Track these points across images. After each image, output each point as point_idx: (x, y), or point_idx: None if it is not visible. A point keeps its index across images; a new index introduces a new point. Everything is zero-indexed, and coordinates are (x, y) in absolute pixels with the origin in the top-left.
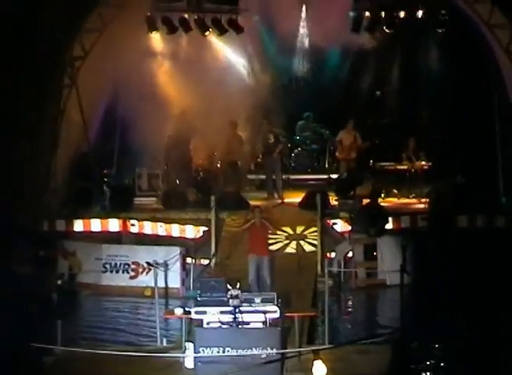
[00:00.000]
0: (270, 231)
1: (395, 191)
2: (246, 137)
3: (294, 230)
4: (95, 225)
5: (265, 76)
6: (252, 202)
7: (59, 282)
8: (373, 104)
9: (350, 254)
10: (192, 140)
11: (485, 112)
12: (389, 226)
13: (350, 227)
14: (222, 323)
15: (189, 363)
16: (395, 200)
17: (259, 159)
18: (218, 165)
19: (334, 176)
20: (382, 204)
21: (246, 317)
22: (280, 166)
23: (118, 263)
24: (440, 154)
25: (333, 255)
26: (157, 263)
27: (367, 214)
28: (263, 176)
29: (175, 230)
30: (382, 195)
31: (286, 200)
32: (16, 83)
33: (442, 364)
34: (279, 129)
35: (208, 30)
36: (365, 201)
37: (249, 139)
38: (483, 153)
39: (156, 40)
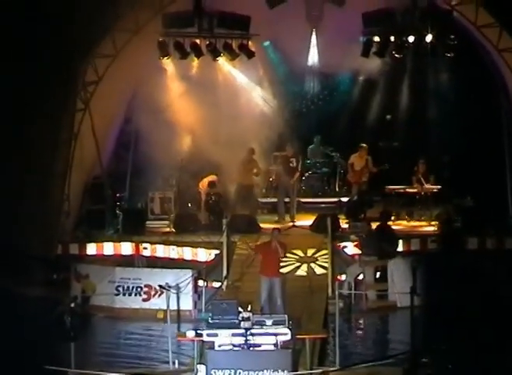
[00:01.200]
0: (282, 254)
1: (405, 215)
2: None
3: (305, 253)
4: (108, 248)
5: (276, 100)
6: (263, 225)
7: (72, 305)
8: (383, 128)
9: (361, 276)
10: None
11: (494, 134)
12: (399, 248)
13: (360, 250)
14: (234, 346)
15: None
16: (405, 223)
17: (271, 179)
18: (232, 188)
19: (344, 199)
20: (392, 226)
21: (257, 339)
22: (296, 189)
23: (131, 286)
24: (449, 177)
25: (344, 277)
26: (169, 286)
27: (377, 237)
28: (274, 200)
29: (187, 253)
30: (393, 218)
31: (297, 223)
32: (29, 107)
33: None
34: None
35: (220, 54)
36: (375, 224)
37: (260, 163)
38: (492, 175)
39: (168, 64)
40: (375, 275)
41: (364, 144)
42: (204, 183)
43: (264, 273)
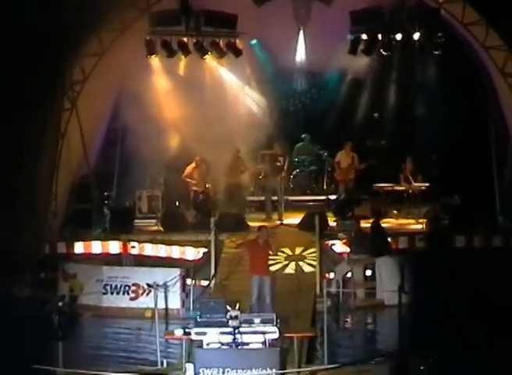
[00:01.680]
0: (271, 252)
1: (394, 211)
2: (245, 160)
3: (293, 251)
4: (96, 247)
5: (264, 98)
6: (251, 224)
7: (60, 304)
8: (371, 126)
9: (349, 274)
10: (192, 169)
11: (481, 132)
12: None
13: (348, 248)
14: (222, 344)
15: None
16: (393, 220)
17: (260, 177)
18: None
19: (332, 197)
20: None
21: (245, 338)
22: (283, 187)
23: (118, 285)
24: (437, 175)
25: (332, 275)
26: (157, 285)
27: (370, 235)
28: (262, 198)
29: (175, 251)
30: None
31: (284, 221)
32: (16, 106)
33: None
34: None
35: (207, 53)
36: (364, 221)
37: (248, 162)
38: (479, 173)
39: (155, 63)
40: (364, 273)
41: (350, 142)
42: (189, 171)
43: (254, 272)
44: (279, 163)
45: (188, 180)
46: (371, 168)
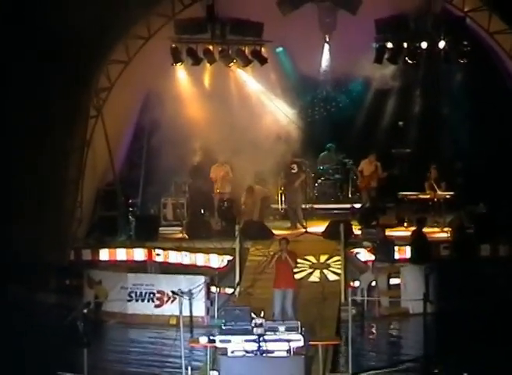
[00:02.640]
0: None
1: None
2: (270, 168)
3: (318, 259)
4: (121, 254)
5: (288, 106)
6: (276, 232)
7: (85, 311)
8: (396, 134)
9: (374, 283)
10: (217, 169)
11: (506, 140)
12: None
13: (373, 256)
14: (247, 352)
15: None
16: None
17: (281, 190)
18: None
19: (357, 205)
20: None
21: (270, 346)
22: (301, 196)
23: (143, 292)
24: (462, 183)
25: (356, 283)
26: (182, 292)
27: (391, 243)
28: (285, 206)
29: (199, 259)
30: (405, 224)
31: (309, 229)
32: (42, 114)
33: None
34: (301, 159)
35: (232, 61)
36: (388, 230)
37: (272, 170)
38: (504, 182)
39: (181, 71)
40: (389, 282)
41: (374, 152)
42: (215, 172)
43: (276, 286)
44: (293, 171)
45: (212, 179)
46: (392, 177)
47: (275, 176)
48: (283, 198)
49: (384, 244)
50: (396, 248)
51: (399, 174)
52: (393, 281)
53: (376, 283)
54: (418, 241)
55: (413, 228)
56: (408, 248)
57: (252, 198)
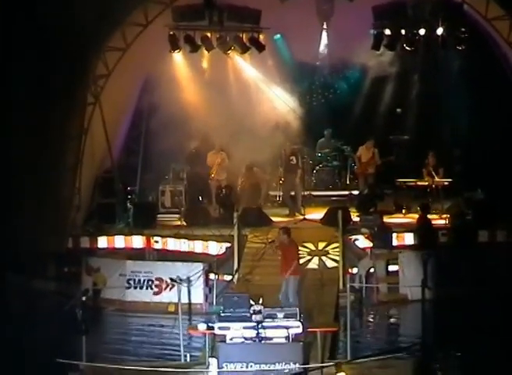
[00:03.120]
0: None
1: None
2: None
3: (316, 246)
4: (119, 242)
5: (286, 93)
6: (274, 219)
7: (84, 298)
8: (394, 121)
9: (372, 269)
10: (213, 156)
11: (504, 127)
12: (410, 241)
13: (371, 243)
14: (245, 339)
15: None
16: (416, 216)
17: (281, 181)
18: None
19: (355, 192)
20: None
21: (269, 332)
22: (301, 184)
23: (142, 279)
24: (460, 170)
25: (355, 270)
26: (180, 279)
27: (389, 229)
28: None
29: (198, 246)
30: (404, 211)
31: (307, 216)
32: (40, 102)
33: None
34: (299, 146)
35: (230, 48)
36: (386, 216)
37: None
38: (502, 168)
39: (179, 58)
40: (387, 268)
41: (372, 138)
42: (212, 159)
43: (281, 273)
44: (292, 162)
45: (209, 166)
46: (390, 164)
47: (272, 164)
48: (282, 186)
49: (382, 231)
50: (394, 234)
51: (397, 161)
52: (392, 268)
53: (374, 269)
54: (423, 227)
55: (411, 214)
56: (407, 235)
57: (250, 180)
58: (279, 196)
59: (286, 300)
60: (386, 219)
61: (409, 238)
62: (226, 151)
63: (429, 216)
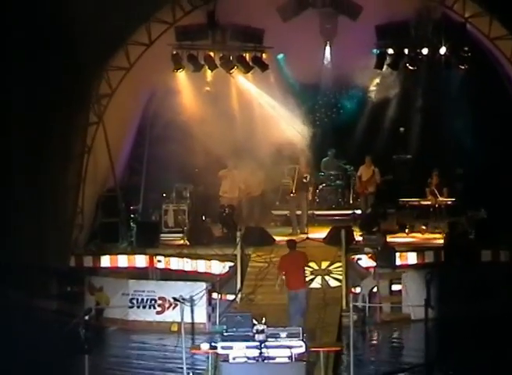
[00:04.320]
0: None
1: (423, 227)
2: (270, 174)
3: (319, 266)
4: (122, 261)
5: (290, 112)
6: (277, 238)
7: (86, 317)
8: (397, 140)
9: (375, 289)
10: (226, 174)
11: (507, 146)
12: (413, 261)
13: (374, 262)
14: (248, 358)
15: None
16: (419, 235)
17: (292, 194)
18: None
19: (358, 211)
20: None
21: (271, 352)
22: (308, 202)
23: (145, 299)
24: (463, 189)
25: (358, 290)
26: (183, 299)
27: (392, 249)
28: (287, 212)
29: (201, 265)
30: (407, 230)
31: (310, 235)
32: (43, 120)
33: None
34: (304, 165)
35: (233, 67)
36: (390, 236)
37: (273, 175)
38: (505, 187)
39: (182, 77)
40: (390, 287)
41: (369, 156)
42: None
43: (291, 287)
44: (304, 180)
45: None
46: (391, 183)
47: (276, 182)
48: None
49: (385, 250)
50: (397, 254)
51: (400, 180)
52: (395, 287)
53: (378, 289)
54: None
55: (414, 234)
56: (410, 254)
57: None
58: (284, 215)
59: (294, 315)
60: (389, 239)
61: (412, 258)
62: (230, 169)
63: (427, 236)
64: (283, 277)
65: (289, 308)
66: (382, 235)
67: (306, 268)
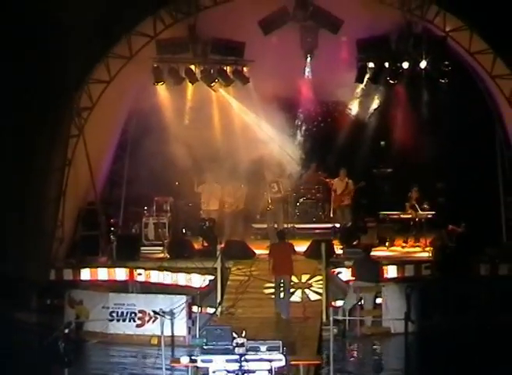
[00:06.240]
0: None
1: (403, 244)
2: (251, 187)
3: (299, 279)
4: (102, 274)
5: (270, 126)
6: (257, 251)
7: (66, 331)
8: (378, 153)
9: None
10: (198, 189)
11: (488, 160)
12: (393, 274)
13: (354, 276)
14: (228, 372)
15: None
16: (399, 249)
17: (269, 208)
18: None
19: (338, 224)
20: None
21: (251, 365)
22: (281, 214)
23: (125, 312)
24: (443, 203)
25: (338, 303)
26: (163, 312)
27: (372, 262)
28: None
29: (181, 278)
30: (387, 244)
31: None
32: (24, 132)
33: None
34: (284, 179)
35: (214, 80)
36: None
37: (254, 189)
38: (486, 201)
39: (163, 90)
40: (375, 301)
41: (344, 168)
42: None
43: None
44: (273, 190)
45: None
46: (369, 195)
47: (256, 196)
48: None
49: (365, 264)
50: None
51: (380, 193)
52: (378, 301)
53: (363, 302)
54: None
55: (394, 248)
56: (390, 267)
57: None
58: (264, 228)
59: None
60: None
61: (392, 271)
62: (209, 183)
63: (408, 250)
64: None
65: (275, 295)
66: (365, 248)
67: None
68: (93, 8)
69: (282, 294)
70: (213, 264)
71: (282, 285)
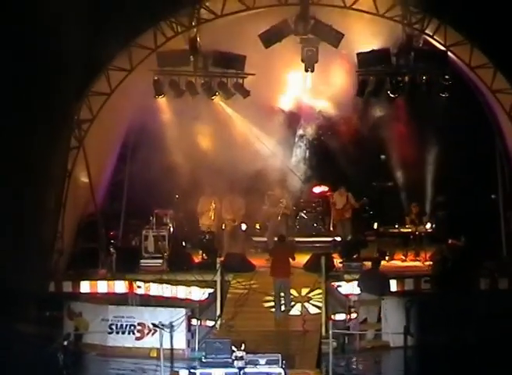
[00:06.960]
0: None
1: (402, 257)
2: (251, 200)
3: (299, 293)
4: (102, 286)
5: (271, 139)
6: (257, 264)
7: (65, 343)
8: (378, 167)
9: (354, 315)
10: (199, 201)
11: (488, 175)
12: (393, 288)
13: (354, 290)
14: None
15: None
16: (399, 263)
17: (268, 222)
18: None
19: (338, 238)
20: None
21: None
22: (285, 229)
23: (124, 324)
24: (443, 217)
25: (338, 317)
26: (162, 324)
27: (373, 276)
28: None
29: (180, 291)
30: (387, 258)
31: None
32: (24, 144)
33: None
34: (287, 193)
35: (215, 93)
36: (369, 263)
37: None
38: (486, 216)
39: (163, 103)
40: (379, 314)
41: (343, 186)
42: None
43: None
44: (281, 205)
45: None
46: (366, 207)
47: (256, 209)
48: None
49: (365, 278)
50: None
51: (380, 207)
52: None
53: (357, 316)
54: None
55: (394, 262)
56: (390, 282)
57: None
58: (264, 241)
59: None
60: (369, 266)
61: (392, 285)
62: (209, 196)
63: (408, 263)
64: None
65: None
66: (362, 262)
67: None
68: (94, 20)
69: (283, 307)
70: (213, 277)
71: (282, 296)
